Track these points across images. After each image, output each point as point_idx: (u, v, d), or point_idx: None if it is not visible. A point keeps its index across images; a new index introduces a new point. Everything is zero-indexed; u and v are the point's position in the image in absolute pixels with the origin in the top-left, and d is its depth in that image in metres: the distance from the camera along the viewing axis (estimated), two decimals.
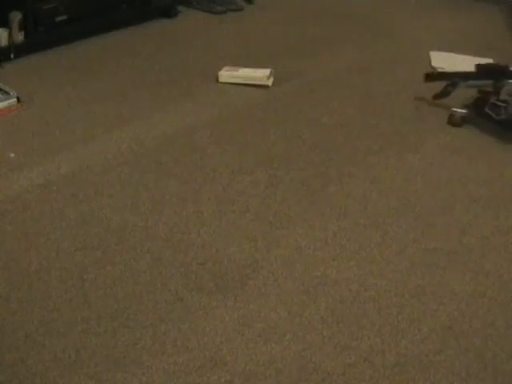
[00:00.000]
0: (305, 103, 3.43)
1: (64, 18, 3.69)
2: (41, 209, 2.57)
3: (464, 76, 3.43)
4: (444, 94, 3.40)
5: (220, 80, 3.54)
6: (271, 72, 3.55)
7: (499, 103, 3.26)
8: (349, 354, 2.07)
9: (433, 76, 3.50)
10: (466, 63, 3.90)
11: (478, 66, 3.44)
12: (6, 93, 3.22)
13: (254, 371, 1.99)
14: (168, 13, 4.26)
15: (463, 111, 3.35)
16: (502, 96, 3.29)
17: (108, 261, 2.34)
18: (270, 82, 3.53)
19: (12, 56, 3.56)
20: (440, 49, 4.07)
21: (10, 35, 3.52)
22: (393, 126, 3.29)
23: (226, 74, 3.55)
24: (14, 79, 3.38)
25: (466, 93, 3.41)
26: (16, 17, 3.51)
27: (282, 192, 2.77)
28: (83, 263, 2.33)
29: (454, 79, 3.39)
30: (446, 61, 3.93)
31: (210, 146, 3.04)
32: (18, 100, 3.21)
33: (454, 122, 3.34)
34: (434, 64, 3.89)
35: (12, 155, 2.87)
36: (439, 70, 3.71)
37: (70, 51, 3.74)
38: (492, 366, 2.07)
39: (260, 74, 3.52)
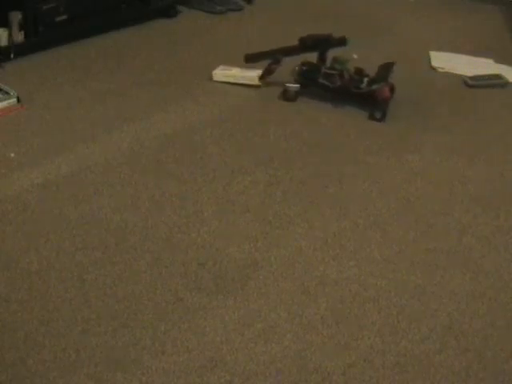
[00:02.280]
0: (305, 103, 3.42)
1: (64, 17, 3.69)
2: (41, 209, 2.57)
3: (287, 51, 3.45)
4: (268, 72, 3.44)
5: (214, 78, 3.54)
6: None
7: (332, 71, 3.31)
8: (349, 354, 2.07)
9: (253, 56, 3.52)
10: (465, 63, 3.91)
11: (301, 38, 3.44)
12: (6, 93, 3.22)
13: (254, 371, 1.99)
14: (168, 13, 4.26)
15: (296, 86, 3.39)
16: (330, 64, 3.36)
17: (108, 261, 2.34)
18: (261, 83, 3.51)
19: (12, 56, 3.56)
20: (440, 49, 4.07)
21: (9, 35, 3.52)
22: (393, 125, 3.29)
23: (220, 73, 3.56)
24: (13, 79, 3.38)
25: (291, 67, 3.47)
26: (16, 17, 3.51)
27: (281, 192, 2.77)
28: (83, 263, 2.33)
29: (275, 56, 3.43)
30: (445, 61, 3.93)
31: (210, 145, 3.04)
32: (18, 100, 3.21)
33: (287, 97, 3.38)
34: (433, 64, 3.89)
35: (12, 155, 2.87)
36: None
37: (70, 51, 3.74)
38: (492, 366, 2.07)
39: (253, 74, 3.51)
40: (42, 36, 3.64)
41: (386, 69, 3.46)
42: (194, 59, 3.79)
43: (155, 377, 1.95)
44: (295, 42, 3.46)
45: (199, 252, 2.42)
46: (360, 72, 3.35)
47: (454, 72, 3.76)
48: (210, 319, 2.15)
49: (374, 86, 3.27)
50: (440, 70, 3.83)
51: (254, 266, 2.37)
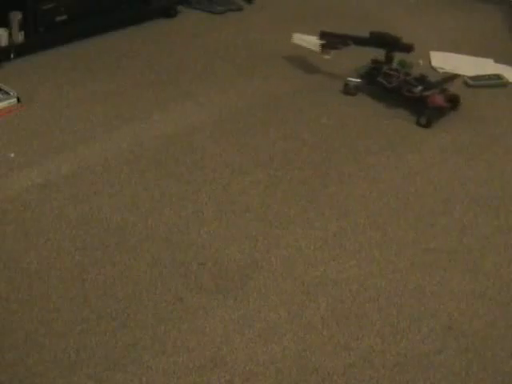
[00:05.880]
0: (305, 103, 3.42)
1: (64, 17, 3.69)
2: (41, 209, 2.57)
3: (357, 40, 3.54)
4: (330, 45, 3.55)
5: (292, 40, 3.72)
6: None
7: (391, 72, 3.37)
8: (349, 354, 2.07)
9: (327, 34, 3.61)
10: (465, 63, 3.91)
11: (372, 32, 3.51)
12: (6, 93, 3.22)
13: (253, 371, 1.99)
14: (168, 13, 4.25)
15: (357, 80, 3.48)
16: (394, 66, 3.43)
17: (108, 261, 2.35)
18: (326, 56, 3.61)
19: (12, 56, 3.55)
20: (440, 49, 4.07)
21: (10, 35, 3.52)
22: (393, 126, 3.29)
23: (298, 36, 3.72)
24: (13, 79, 3.38)
25: (359, 63, 3.56)
26: (16, 17, 3.50)
27: (281, 192, 2.77)
28: (83, 263, 2.33)
29: (346, 39, 3.54)
30: (446, 61, 3.93)
31: (210, 146, 3.04)
32: (18, 100, 3.21)
33: (348, 91, 3.47)
34: (434, 64, 3.89)
35: (12, 155, 2.87)
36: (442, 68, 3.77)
37: (70, 51, 3.74)
38: (492, 366, 2.07)
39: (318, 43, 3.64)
40: (41, 36, 3.64)
41: (447, 79, 3.51)
42: (194, 59, 3.78)
43: (155, 377, 1.95)
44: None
45: (199, 252, 2.42)
46: (422, 78, 3.37)
47: (454, 72, 3.76)
48: (210, 319, 2.15)
49: (426, 92, 3.28)
50: (440, 70, 3.83)
51: (254, 266, 2.38)
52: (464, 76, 3.73)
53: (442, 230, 2.63)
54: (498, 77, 3.75)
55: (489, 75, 3.75)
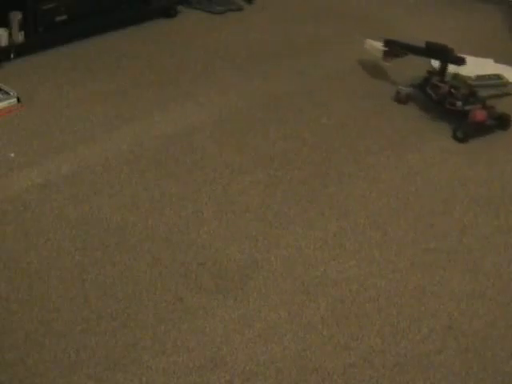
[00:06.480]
0: (305, 103, 3.43)
1: (64, 17, 3.69)
2: (41, 209, 2.57)
3: (414, 49, 3.58)
4: (392, 53, 3.60)
5: (364, 45, 3.76)
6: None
7: (439, 84, 3.36)
8: (349, 354, 2.07)
9: (391, 42, 3.66)
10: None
11: (427, 43, 3.51)
12: (6, 93, 3.22)
13: (253, 371, 1.99)
14: (168, 13, 4.25)
15: (409, 89, 3.48)
16: (446, 78, 3.41)
17: (108, 261, 2.35)
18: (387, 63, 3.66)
19: (12, 56, 3.55)
20: None
21: (10, 35, 3.52)
22: (393, 126, 3.29)
23: (369, 42, 3.76)
24: (14, 79, 3.38)
25: (415, 72, 3.55)
26: (16, 17, 3.50)
27: (281, 192, 2.77)
28: (83, 263, 2.33)
29: (405, 49, 3.59)
30: None
31: (210, 146, 3.04)
32: (18, 100, 3.21)
33: (399, 99, 3.47)
34: (433, 64, 3.89)
35: (12, 155, 2.87)
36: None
37: (70, 51, 3.74)
38: (492, 365, 2.07)
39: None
40: (41, 36, 3.64)
41: (496, 95, 3.50)
42: (194, 59, 3.78)
43: (155, 377, 1.95)
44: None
45: (199, 252, 2.42)
46: (472, 94, 3.33)
47: (454, 72, 3.75)
48: (210, 319, 2.15)
49: (468, 107, 3.25)
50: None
51: (254, 266, 2.38)
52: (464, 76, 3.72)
53: (442, 230, 2.63)
54: (498, 77, 3.75)
55: (489, 75, 3.75)
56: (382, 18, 4.47)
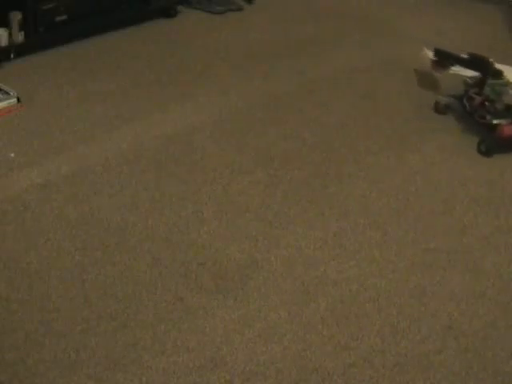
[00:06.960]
0: (305, 103, 3.43)
1: (64, 17, 3.69)
2: (41, 209, 2.57)
3: (458, 60, 3.55)
4: (441, 64, 3.56)
5: (420, 53, 3.76)
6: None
7: (474, 95, 3.33)
8: (349, 354, 2.07)
9: (440, 53, 3.63)
10: None
11: (469, 54, 3.50)
12: (6, 93, 3.22)
13: (254, 371, 1.99)
14: (168, 13, 4.25)
15: (447, 99, 3.45)
16: (485, 90, 3.36)
17: (108, 261, 2.35)
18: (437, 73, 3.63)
19: (12, 56, 3.55)
20: None
21: (10, 35, 3.52)
22: (393, 126, 3.29)
23: (425, 51, 3.76)
24: (14, 79, 3.38)
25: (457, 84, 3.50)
26: (16, 17, 3.50)
27: (281, 192, 2.77)
28: (83, 263, 2.33)
29: (451, 60, 3.56)
30: None
31: (210, 145, 3.04)
32: (18, 100, 3.21)
33: (438, 109, 3.45)
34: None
35: (12, 155, 2.87)
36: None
37: (70, 51, 3.74)
38: (492, 366, 2.07)
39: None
40: (41, 36, 3.64)
41: None
42: (194, 59, 3.78)
43: (155, 377, 1.96)
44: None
45: (199, 252, 2.42)
46: (508, 108, 3.28)
47: (454, 72, 3.75)
48: (210, 319, 2.15)
49: (497, 121, 3.20)
50: None
51: (254, 266, 2.38)
52: (464, 76, 3.72)
53: (442, 230, 2.63)
54: None
55: None
56: (382, 17, 4.48)
